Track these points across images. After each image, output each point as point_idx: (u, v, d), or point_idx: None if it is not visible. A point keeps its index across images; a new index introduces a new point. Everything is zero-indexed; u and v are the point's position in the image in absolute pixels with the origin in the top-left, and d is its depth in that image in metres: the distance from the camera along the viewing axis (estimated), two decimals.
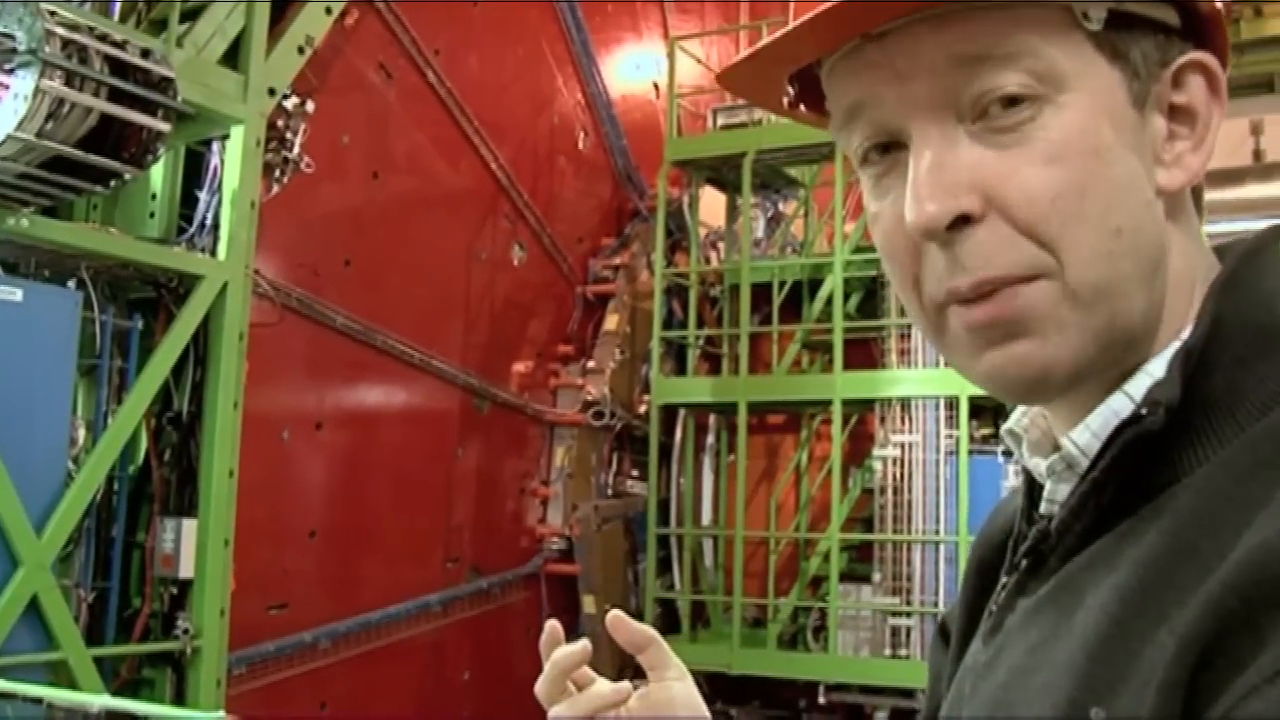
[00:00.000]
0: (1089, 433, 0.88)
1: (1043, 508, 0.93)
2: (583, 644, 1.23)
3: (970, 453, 9.36)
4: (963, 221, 0.84)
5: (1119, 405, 0.86)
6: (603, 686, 1.27)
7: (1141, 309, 0.85)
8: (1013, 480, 10.14)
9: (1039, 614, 0.88)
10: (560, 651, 1.23)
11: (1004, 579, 0.97)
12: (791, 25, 0.85)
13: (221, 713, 5.71)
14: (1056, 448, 0.92)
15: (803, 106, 0.98)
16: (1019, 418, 1.00)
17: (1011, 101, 0.83)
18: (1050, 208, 0.82)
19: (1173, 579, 0.76)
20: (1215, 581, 0.71)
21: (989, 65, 0.83)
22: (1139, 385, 0.86)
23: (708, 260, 11.98)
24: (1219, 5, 0.89)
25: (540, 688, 1.23)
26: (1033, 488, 0.97)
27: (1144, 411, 0.83)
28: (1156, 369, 0.86)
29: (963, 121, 0.85)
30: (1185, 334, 0.86)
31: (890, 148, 0.89)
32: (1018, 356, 0.85)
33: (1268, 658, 0.66)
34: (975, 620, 1.05)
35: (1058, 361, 0.84)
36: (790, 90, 0.97)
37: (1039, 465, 0.94)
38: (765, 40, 0.88)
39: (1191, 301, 0.88)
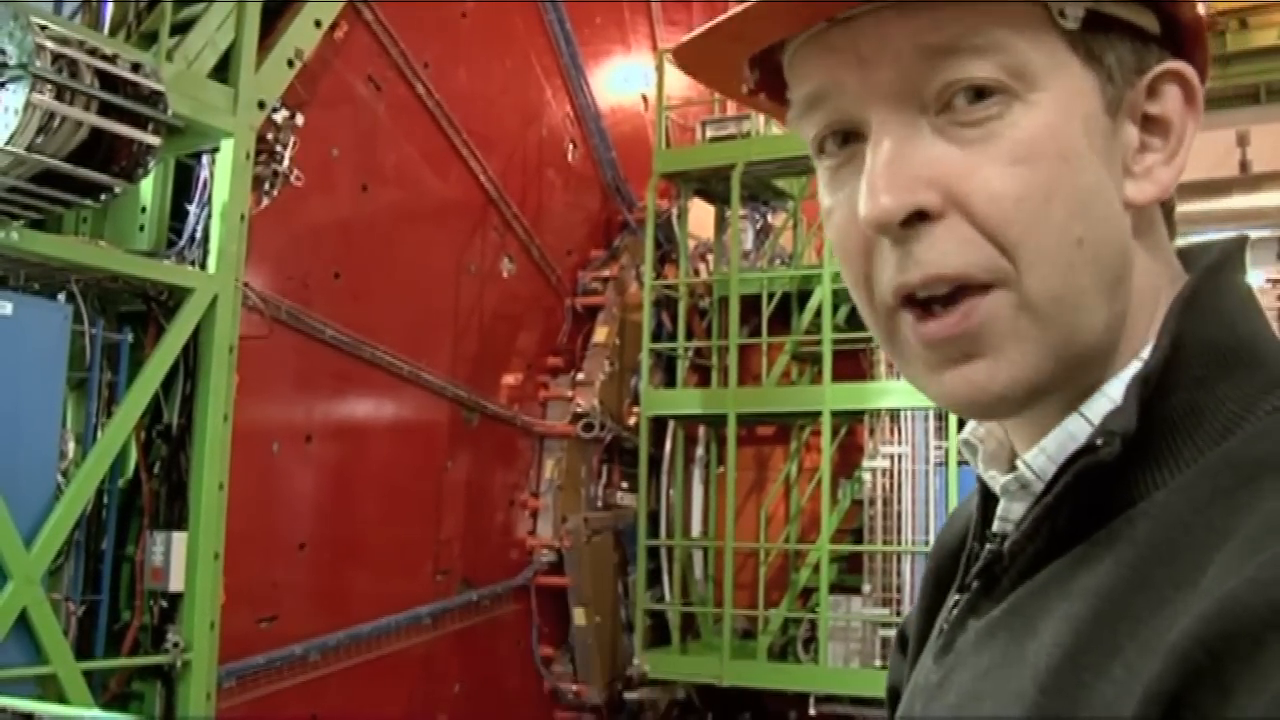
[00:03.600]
0: (1044, 456, 0.85)
1: (996, 525, 0.90)
2: None
3: (959, 464, 9.35)
4: (919, 218, 0.80)
5: (1075, 428, 0.84)
6: None
7: (1102, 324, 0.82)
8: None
9: (991, 638, 0.85)
10: None
11: (955, 596, 0.95)
12: (753, 1, 0.81)
13: None
14: (1013, 463, 0.89)
15: (764, 96, 0.94)
16: (974, 427, 0.97)
17: (979, 95, 0.80)
18: (1014, 210, 0.79)
19: (1126, 611, 0.73)
20: (1179, 632, 0.68)
21: (957, 56, 0.79)
22: (1097, 408, 0.83)
23: (697, 272, 12.01)
24: (1201, 14, 0.86)
25: None
26: (987, 500, 0.94)
27: (1099, 442, 0.80)
28: (1115, 391, 0.83)
29: (926, 114, 0.81)
30: (1145, 354, 0.83)
31: (849, 139, 0.86)
32: (976, 379, 0.82)
33: (1235, 716, 0.63)
34: (929, 629, 1.03)
35: (1016, 380, 0.81)
36: (750, 76, 0.92)
37: (995, 479, 0.90)
38: (724, 15, 0.83)
39: (1154, 318, 0.84)
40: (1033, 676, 0.76)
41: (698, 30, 0.86)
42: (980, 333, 0.81)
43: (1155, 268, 0.87)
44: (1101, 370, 0.84)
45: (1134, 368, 0.83)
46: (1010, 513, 0.89)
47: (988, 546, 0.90)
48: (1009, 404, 0.84)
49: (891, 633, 9.50)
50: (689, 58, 0.91)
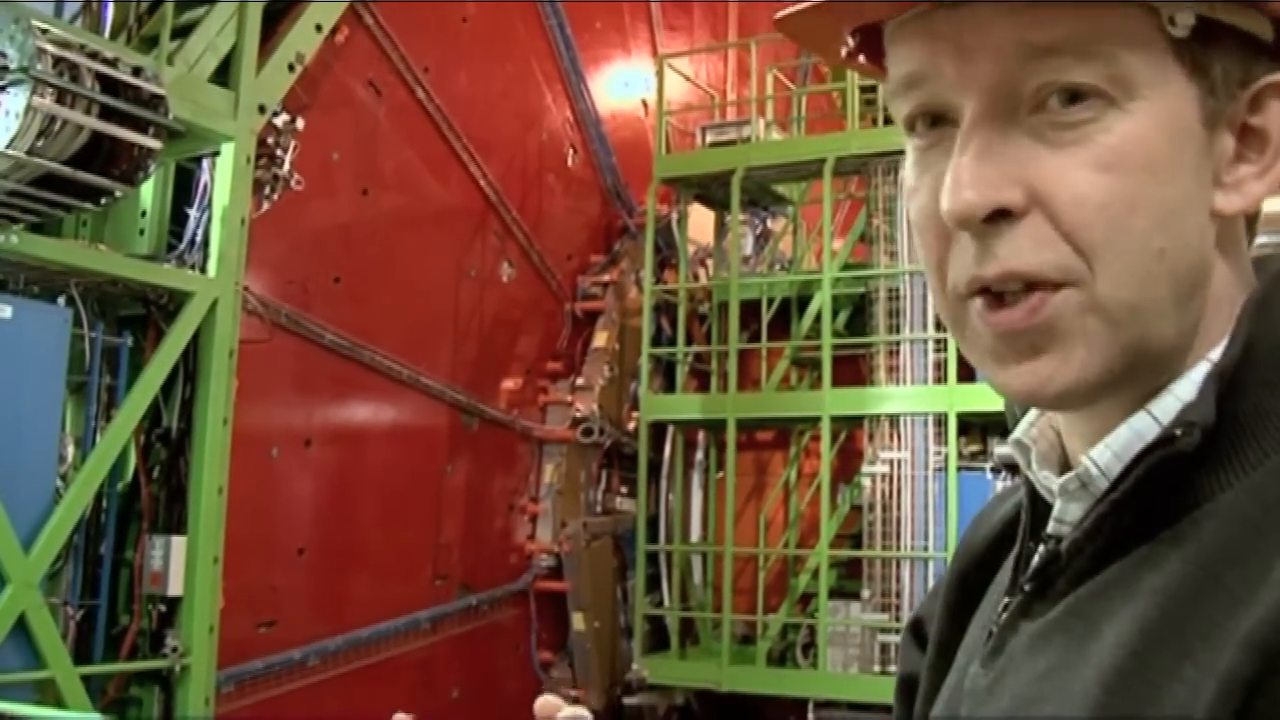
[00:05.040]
0: (1110, 453, 0.84)
1: (1051, 527, 0.89)
2: None
3: (959, 469, 9.36)
4: (1001, 215, 0.80)
5: (1142, 426, 0.83)
6: None
7: (1174, 332, 0.82)
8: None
9: (1047, 640, 0.84)
10: None
11: (1006, 599, 0.93)
12: None
13: None
14: (1065, 464, 0.89)
15: (863, 57, 0.93)
16: (1027, 428, 0.95)
17: (1074, 98, 0.79)
18: (1096, 215, 0.79)
19: (1197, 611, 0.73)
20: (1256, 621, 0.68)
21: (1060, 58, 0.79)
22: (1165, 407, 0.83)
23: (696, 277, 11.99)
24: None
25: None
26: (1035, 503, 0.93)
27: (1178, 433, 0.79)
28: (1183, 391, 0.82)
29: (1020, 111, 0.81)
30: (1214, 355, 0.83)
31: (939, 121, 0.85)
32: (1041, 373, 0.82)
33: None
34: (956, 629, 1.02)
35: (1081, 380, 0.81)
36: (849, 41, 0.92)
37: (1050, 480, 0.89)
38: None
39: (1226, 324, 0.84)
40: (1097, 677, 0.76)
41: (806, 4, 0.86)
42: (1049, 328, 0.81)
43: (1232, 276, 0.87)
44: (1168, 373, 0.84)
45: (1202, 368, 0.83)
46: (1067, 514, 0.88)
47: (1042, 548, 0.89)
48: (1070, 400, 0.84)
49: (891, 638, 9.50)
50: (793, 29, 0.91)
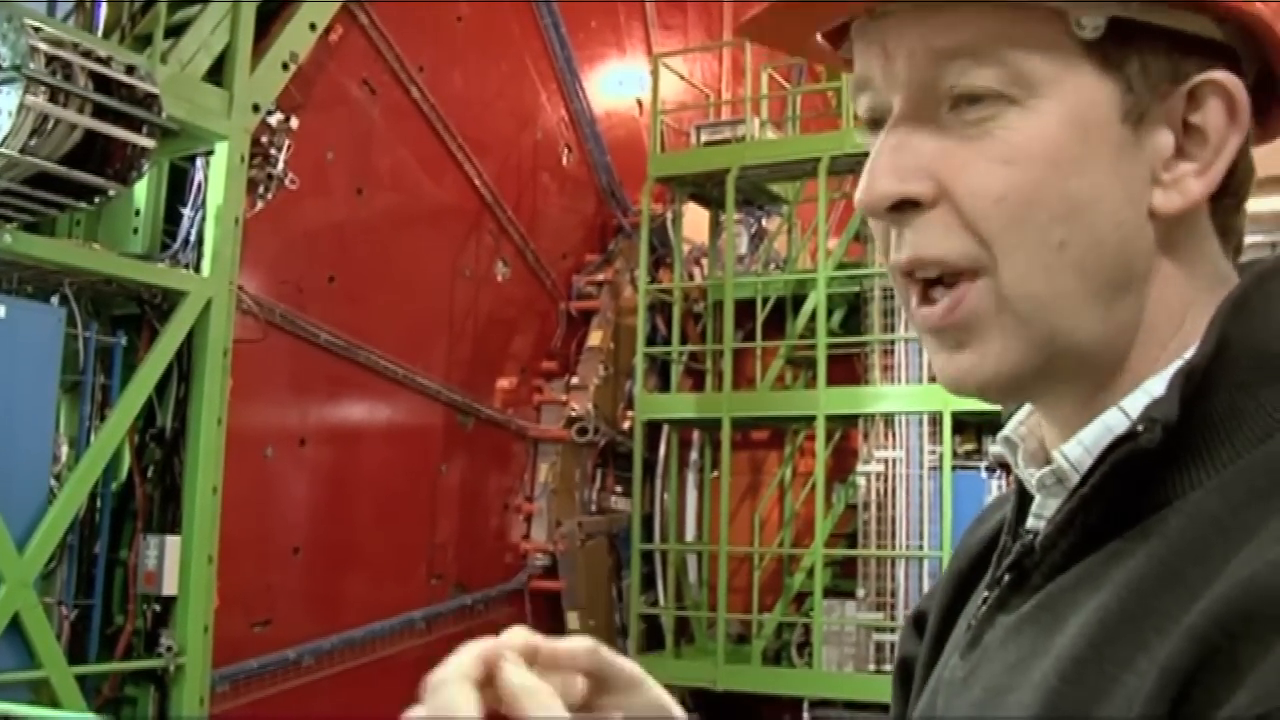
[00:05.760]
0: (1081, 448, 0.85)
1: (1029, 522, 0.91)
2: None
3: (954, 468, 9.37)
4: (912, 205, 0.84)
5: (1114, 421, 0.84)
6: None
7: (1094, 329, 0.83)
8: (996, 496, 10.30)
9: (1019, 632, 0.85)
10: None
11: (985, 593, 0.94)
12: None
13: None
14: (1049, 460, 0.89)
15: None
16: (1016, 426, 0.97)
17: (975, 99, 0.82)
18: (993, 207, 0.81)
19: (1156, 605, 0.74)
20: (1198, 613, 0.69)
21: (962, 61, 0.82)
22: (1136, 402, 0.83)
23: (691, 276, 11.99)
24: (1262, 12, 0.82)
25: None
26: (1023, 500, 0.94)
27: (1140, 429, 0.79)
28: (1155, 387, 0.83)
29: (938, 109, 0.84)
30: (1188, 354, 0.82)
31: (880, 124, 0.88)
32: (963, 366, 0.86)
33: (1246, 697, 0.64)
34: (948, 626, 1.04)
35: (999, 372, 0.85)
36: (820, 42, 0.95)
37: (1032, 476, 0.90)
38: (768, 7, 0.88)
39: (1181, 325, 0.84)
40: (1056, 667, 0.77)
41: (754, 11, 0.90)
42: (965, 325, 0.85)
43: (1184, 276, 0.86)
44: (1109, 374, 0.86)
45: (1175, 366, 0.83)
46: (1045, 509, 0.89)
47: (1019, 542, 0.90)
48: (993, 392, 0.88)
49: (886, 637, 9.52)
50: (756, 35, 0.96)
